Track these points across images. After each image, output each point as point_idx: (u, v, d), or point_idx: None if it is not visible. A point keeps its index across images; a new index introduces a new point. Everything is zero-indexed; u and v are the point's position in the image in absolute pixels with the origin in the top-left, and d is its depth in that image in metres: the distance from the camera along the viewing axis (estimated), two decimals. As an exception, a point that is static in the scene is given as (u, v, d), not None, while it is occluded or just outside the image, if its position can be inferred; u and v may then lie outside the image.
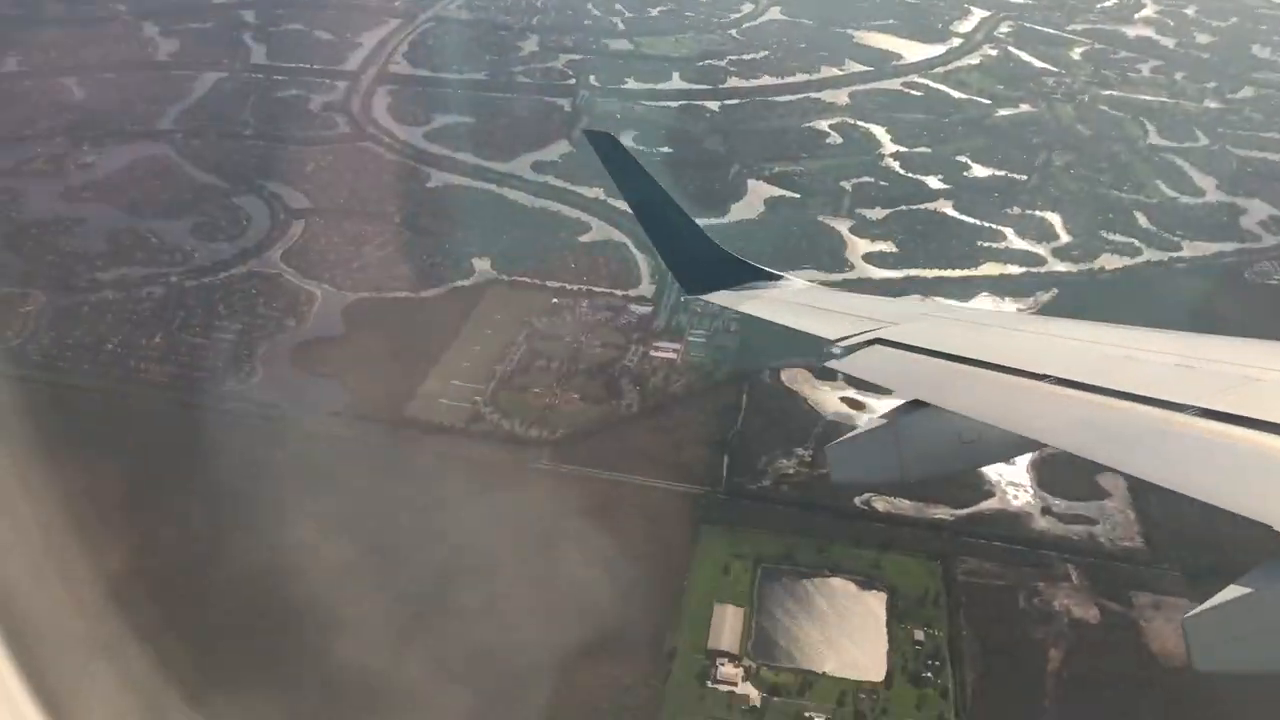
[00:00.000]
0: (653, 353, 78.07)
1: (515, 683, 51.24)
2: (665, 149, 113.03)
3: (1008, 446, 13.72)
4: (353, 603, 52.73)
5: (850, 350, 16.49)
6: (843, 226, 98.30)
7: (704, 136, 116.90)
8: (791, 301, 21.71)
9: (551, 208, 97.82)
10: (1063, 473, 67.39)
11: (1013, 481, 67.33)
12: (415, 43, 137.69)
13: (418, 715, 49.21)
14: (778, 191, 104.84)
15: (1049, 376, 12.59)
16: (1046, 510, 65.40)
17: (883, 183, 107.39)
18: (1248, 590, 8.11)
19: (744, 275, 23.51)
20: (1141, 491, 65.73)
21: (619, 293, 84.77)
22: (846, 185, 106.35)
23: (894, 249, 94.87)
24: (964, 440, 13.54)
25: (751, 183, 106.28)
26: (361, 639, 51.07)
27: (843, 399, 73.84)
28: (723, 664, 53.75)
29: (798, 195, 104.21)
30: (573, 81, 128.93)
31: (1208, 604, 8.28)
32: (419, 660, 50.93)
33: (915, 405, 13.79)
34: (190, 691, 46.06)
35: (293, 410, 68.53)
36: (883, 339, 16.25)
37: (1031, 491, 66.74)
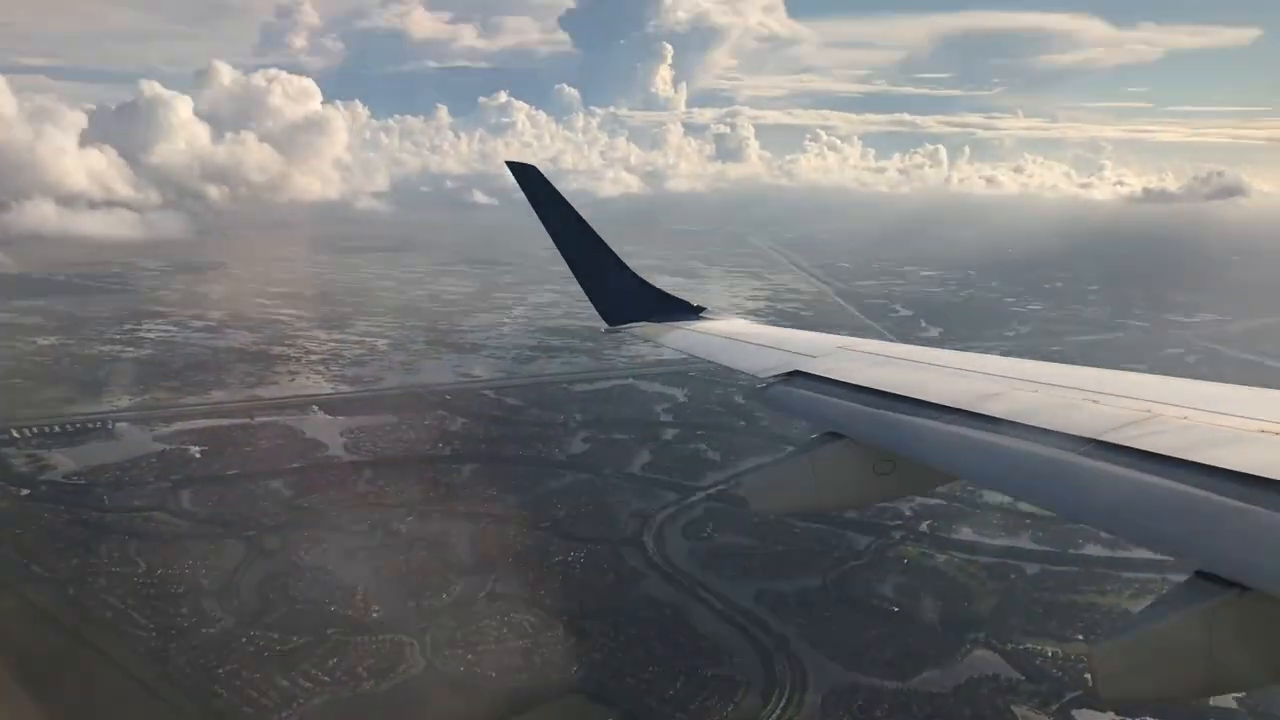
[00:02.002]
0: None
1: None
2: (894, 607, 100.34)
3: (920, 479, 14.55)
4: None
5: (769, 383, 17.06)
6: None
7: (976, 598, 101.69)
8: (712, 334, 22.32)
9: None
10: None
11: None
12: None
13: None
14: (1000, 669, 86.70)
15: (959, 410, 13.16)
16: None
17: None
18: (1149, 621, 8.82)
19: (666, 309, 24.32)
20: None
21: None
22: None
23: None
24: (878, 471, 13.87)
25: (981, 652, 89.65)
26: None
27: None
28: None
29: (1021, 676, 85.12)
30: (898, 523, 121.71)
31: (1112, 638, 9.06)
32: None
33: (831, 436, 14.36)
34: None
35: None
36: (801, 370, 17.09)
37: None
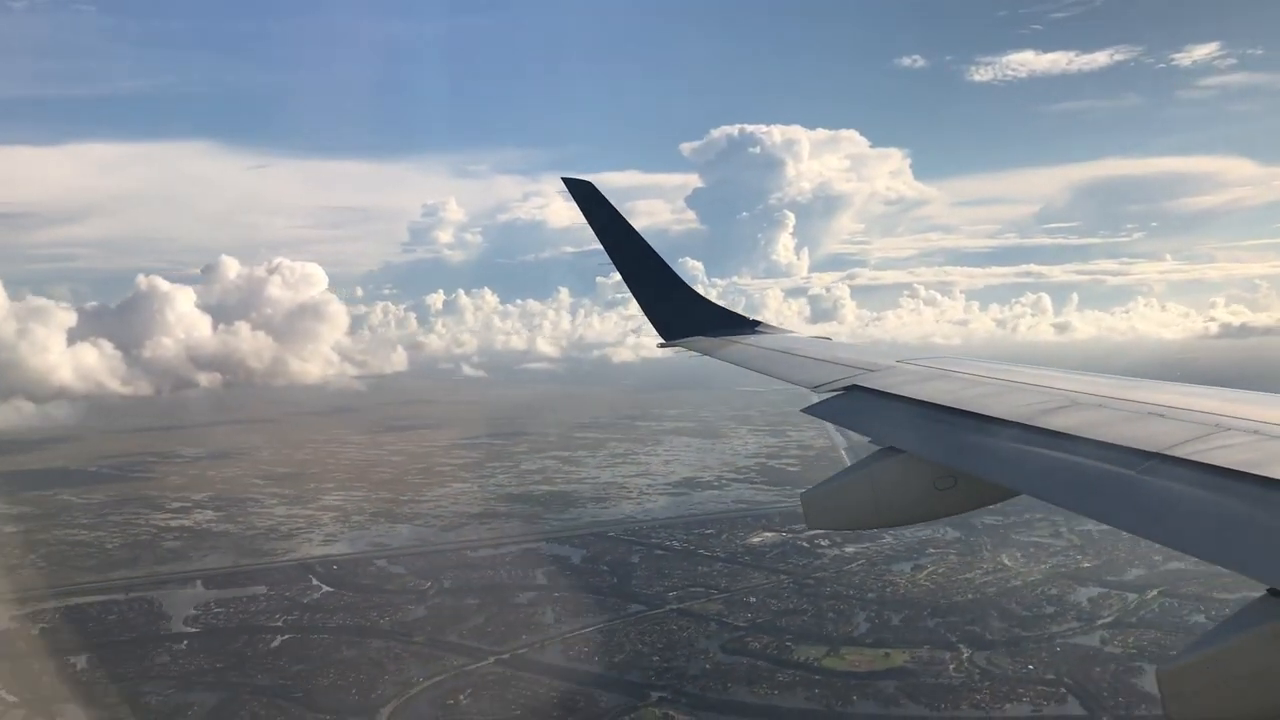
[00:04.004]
0: None
1: None
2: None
3: (981, 494, 14.08)
4: None
5: (827, 396, 17.10)
6: None
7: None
8: (768, 349, 22.18)
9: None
10: None
11: None
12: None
13: None
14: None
15: (1021, 424, 12.92)
16: None
17: None
18: (1220, 639, 8.32)
19: (721, 322, 24.44)
20: None
21: None
22: None
23: None
24: (938, 487, 13.60)
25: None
26: None
27: None
28: None
29: None
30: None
31: (1181, 657, 8.47)
32: None
33: (890, 451, 14.19)
34: None
35: None
36: (859, 385, 17.06)
37: None
